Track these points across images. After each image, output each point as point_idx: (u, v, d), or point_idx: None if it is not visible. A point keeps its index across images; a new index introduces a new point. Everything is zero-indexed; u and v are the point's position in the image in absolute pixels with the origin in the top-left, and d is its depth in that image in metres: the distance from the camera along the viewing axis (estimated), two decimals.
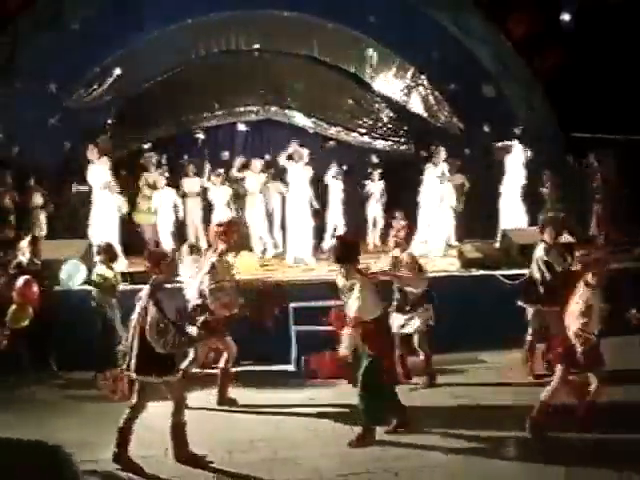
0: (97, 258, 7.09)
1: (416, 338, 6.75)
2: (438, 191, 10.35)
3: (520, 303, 7.07)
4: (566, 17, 10.88)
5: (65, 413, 6.18)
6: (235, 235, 6.60)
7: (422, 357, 6.82)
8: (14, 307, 5.98)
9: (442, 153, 10.33)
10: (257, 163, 10.73)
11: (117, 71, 11.18)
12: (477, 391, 6.65)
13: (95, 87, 11.15)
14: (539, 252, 6.99)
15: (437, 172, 10.29)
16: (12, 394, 6.61)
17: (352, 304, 5.28)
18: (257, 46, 11.97)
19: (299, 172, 9.84)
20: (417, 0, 11.61)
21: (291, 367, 7.52)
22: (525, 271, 7.62)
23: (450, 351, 7.55)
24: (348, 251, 5.45)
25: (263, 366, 7.46)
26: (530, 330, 7.06)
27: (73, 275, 7.58)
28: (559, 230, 7.28)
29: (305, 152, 9.89)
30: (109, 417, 5.86)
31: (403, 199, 12.27)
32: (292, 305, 7.67)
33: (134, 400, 5.03)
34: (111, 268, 7.00)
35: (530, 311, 7.04)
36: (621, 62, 10.56)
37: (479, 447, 5.28)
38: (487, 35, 11.79)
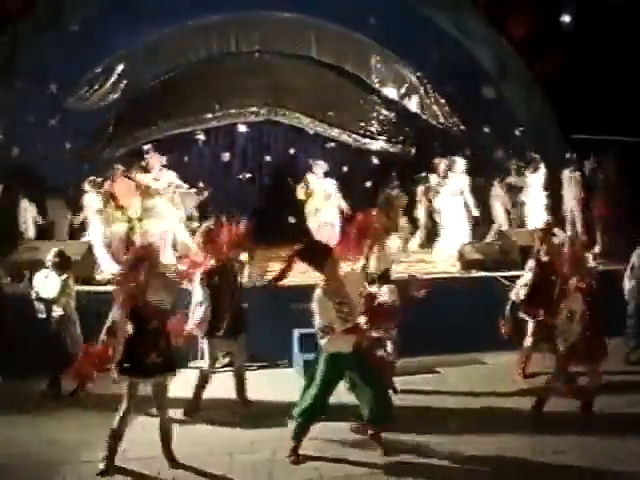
0: (49, 264, 6.74)
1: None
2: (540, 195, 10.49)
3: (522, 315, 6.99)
4: (566, 18, 10.88)
5: (65, 413, 6.16)
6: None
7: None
8: None
9: (540, 161, 10.54)
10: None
11: (117, 72, 11.20)
12: (478, 392, 6.65)
13: (95, 88, 11.16)
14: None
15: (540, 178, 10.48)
16: (13, 394, 6.60)
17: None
18: (257, 47, 11.98)
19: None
20: (417, 1, 11.61)
21: (292, 368, 7.51)
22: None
23: (451, 352, 7.55)
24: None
25: (263, 368, 7.45)
26: (529, 343, 7.01)
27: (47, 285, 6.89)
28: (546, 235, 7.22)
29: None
30: (109, 418, 5.92)
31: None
32: (292, 306, 7.66)
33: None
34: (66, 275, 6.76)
35: (530, 325, 6.96)
36: (621, 63, 10.56)
37: (480, 448, 5.27)
38: (487, 36, 11.80)
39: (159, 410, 5.05)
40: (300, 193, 10.35)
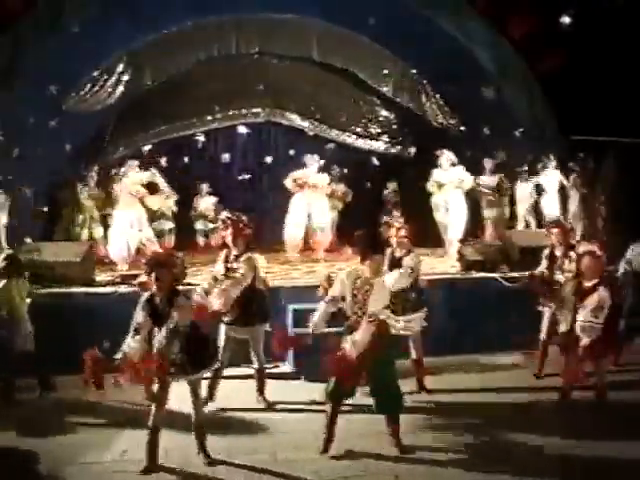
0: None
1: (413, 341, 6.70)
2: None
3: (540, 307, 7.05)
4: (566, 19, 10.88)
5: (69, 414, 6.17)
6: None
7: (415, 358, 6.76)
8: None
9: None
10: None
11: (117, 73, 11.20)
12: (477, 393, 6.65)
13: (95, 89, 11.16)
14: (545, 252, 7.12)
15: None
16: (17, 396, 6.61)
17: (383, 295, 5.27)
18: (257, 49, 11.98)
19: None
20: (417, 2, 11.62)
21: (289, 369, 7.51)
22: (525, 273, 7.69)
23: (450, 353, 7.56)
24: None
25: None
26: (544, 333, 7.06)
27: None
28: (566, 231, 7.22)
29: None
30: (113, 418, 5.93)
31: (403, 201, 12.30)
32: (291, 307, 7.68)
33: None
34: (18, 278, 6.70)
35: (546, 312, 7.03)
36: (621, 64, 10.56)
37: (480, 449, 5.27)
38: (487, 37, 11.79)
39: (194, 405, 5.14)
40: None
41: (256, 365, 6.48)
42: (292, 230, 10.50)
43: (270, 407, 6.39)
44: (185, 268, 5.31)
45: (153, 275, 4.95)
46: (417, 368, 6.76)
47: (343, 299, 5.27)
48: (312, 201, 10.48)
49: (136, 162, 9.99)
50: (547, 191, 11.22)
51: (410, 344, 6.71)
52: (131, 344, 4.89)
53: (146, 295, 5.05)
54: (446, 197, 10.80)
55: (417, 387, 6.72)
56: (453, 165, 10.84)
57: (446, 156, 10.83)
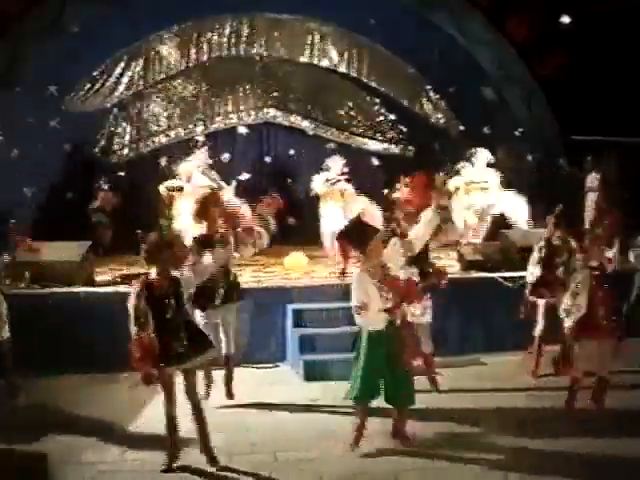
0: None
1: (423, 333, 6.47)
2: None
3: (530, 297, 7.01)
4: (566, 19, 10.89)
5: (70, 414, 6.18)
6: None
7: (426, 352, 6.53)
8: None
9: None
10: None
11: (117, 73, 11.22)
12: (477, 393, 6.65)
13: (95, 89, 11.18)
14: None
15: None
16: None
17: None
18: (257, 48, 11.99)
19: None
20: (417, 2, 11.63)
21: (290, 369, 7.51)
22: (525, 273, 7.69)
23: (450, 353, 7.55)
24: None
25: (262, 368, 7.45)
26: (540, 327, 7.01)
27: None
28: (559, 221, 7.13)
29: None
30: (116, 418, 5.93)
31: None
32: (291, 307, 7.69)
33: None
34: None
35: (541, 307, 7.00)
36: (622, 64, 10.57)
37: (480, 450, 5.27)
38: (488, 37, 11.81)
39: (189, 398, 4.94)
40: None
41: (224, 351, 6.15)
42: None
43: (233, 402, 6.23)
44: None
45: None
46: (427, 364, 6.56)
47: None
48: (345, 206, 9.54)
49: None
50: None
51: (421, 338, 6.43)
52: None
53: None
54: (474, 200, 9.95)
55: (430, 385, 6.54)
56: (489, 165, 10.06)
57: (483, 154, 10.01)
